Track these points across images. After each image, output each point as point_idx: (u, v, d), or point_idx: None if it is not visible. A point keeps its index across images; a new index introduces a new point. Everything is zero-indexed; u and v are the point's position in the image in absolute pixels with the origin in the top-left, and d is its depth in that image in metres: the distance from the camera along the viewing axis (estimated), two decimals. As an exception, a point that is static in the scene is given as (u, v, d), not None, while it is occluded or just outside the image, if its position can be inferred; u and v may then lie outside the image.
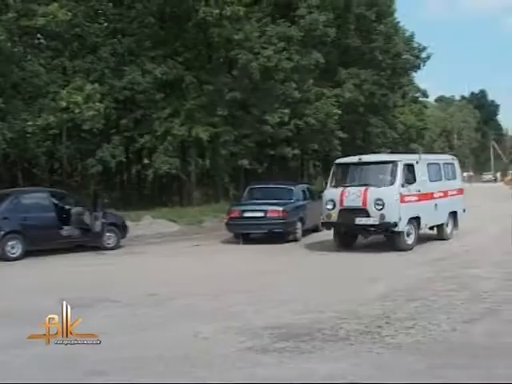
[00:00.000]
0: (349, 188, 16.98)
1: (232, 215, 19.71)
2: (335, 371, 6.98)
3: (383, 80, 37.73)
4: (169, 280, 13.41)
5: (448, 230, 19.11)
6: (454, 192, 19.54)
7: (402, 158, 17.74)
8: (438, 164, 19.27)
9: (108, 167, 27.79)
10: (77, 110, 22.62)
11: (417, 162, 17.61)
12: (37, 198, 17.93)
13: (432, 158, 21.13)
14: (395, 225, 16.43)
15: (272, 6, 30.49)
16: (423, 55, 42.88)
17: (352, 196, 16.80)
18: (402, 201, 16.64)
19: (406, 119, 51.03)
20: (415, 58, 42.24)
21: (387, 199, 16.49)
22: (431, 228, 18.95)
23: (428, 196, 17.79)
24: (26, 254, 16.73)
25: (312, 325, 9.00)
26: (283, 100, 29.07)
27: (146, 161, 34.54)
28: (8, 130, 21.46)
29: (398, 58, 39.23)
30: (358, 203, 16.65)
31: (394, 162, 17.18)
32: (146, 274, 14.48)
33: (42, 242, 17.16)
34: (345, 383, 6.58)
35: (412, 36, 43.29)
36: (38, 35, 27.84)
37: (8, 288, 12.73)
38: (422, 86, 67.00)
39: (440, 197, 18.41)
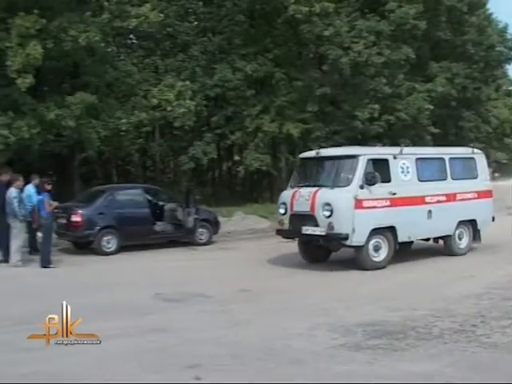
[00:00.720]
0: (302, 189, 14.13)
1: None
2: (430, 370, 6.80)
3: (476, 73, 36.54)
4: (260, 276, 13.40)
5: (461, 243, 15.53)
6: (471, 195, 15.67)
7: (367, 152, 14.44)
8: (439, 159, 15.49)
9: (200, 164, 28.04)
10: (168, 108, 22.90)
11: (394, 157, 14.17)
12: (131, 195, 18.24)
13: (428, 151, 17.11)
14: (346, 237, 13.13)
15: (361, 0, 30.08)
16: (517, 47, 41.49)
17: (301, 199, 13.87)
18: (359, 206, 13.23)
19: (499, 113, 49.65)
20: (509, 50, 40.87)
21: (336, 204, 13.23)
22: (435, 240, 15.78)
23: (413, 200, 14.23)
24: (121, 248, 17.02)
25: (405, 322, 8.87)
26: (373, 96, 28.65)
27: (236, 157, 34.66)
28: (102, 128, 21.95)
29: (491, 51, 37.90)
30: (306, 208, 13.65)
31: (354, 157, 13.81)
32: (238, 269, 14.50)
33: (136, 237, 17.45)
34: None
35: (506, 28, 41.80)
36: (131, 35, 28.48)
37: (104, 282, 12.96)
38: (517, 79, 64.79)
39: (439, 201, 14.83)
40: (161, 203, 18.93)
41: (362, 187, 13.35)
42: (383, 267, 13.65)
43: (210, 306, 10.51)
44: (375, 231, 13.59)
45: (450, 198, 15.22)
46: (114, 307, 10.35)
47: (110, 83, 24.10)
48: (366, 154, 13.96)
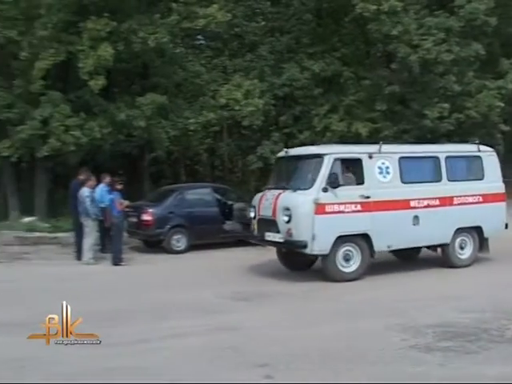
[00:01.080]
0: (269, 192, 13.36)
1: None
2: (503, 373, 6.66)
3: (549, 70, 35.52)
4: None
5: (463, 253, 14.02)
6: (475, 199, 13.99)
7: (335, 151, 12.89)
8: (431, 158, 13.89)
9: (268, 163, 28.01)
10: (236, 107, 22.98)
11: (370, 156, 12.81)
12: (200, 194, 18.43)
13: (416, 149, 14.61)
14: (305, 245, 12.09)
15: (430, -3, 29.55)
16: None
17: (266, 203, 13.10)
18: (320, 211, 12.06)
19: None
20: None
21: (295, 209, 12.25)
22: (433, 249, 14.39)
23: (393, 204, 12.87)
24: (190, 247, 17.17)
25: (477, 324, 8.72)
26: (442, 94, 28.11)
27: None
28: (171, 128, 22.21)
29: None
30: (269, 213, 12.86)
31: (319, 157, 12.62)
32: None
33: (205, 236, 17.60)
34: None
35: None
36: (199, 36, 28.70)
37: (174, 280, 13.09)
38: None
39: (429, 206, 13.35)
40: (230, 202, 19.00)
41: (325, 190, 12.18)
42: (354, 279, 12.43)
43: (279, 304, 10.51)
44: (344, 239, 12.43)
45: (445, 201, 13.62)
46: (185, 305, 10.44)
47: (178, 84, 24.36)
48: (332, 153, 12.65)
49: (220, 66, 27.10)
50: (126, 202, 15.71)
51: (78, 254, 15.68)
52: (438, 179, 13.74)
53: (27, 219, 20.25)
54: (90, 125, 19.95)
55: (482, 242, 14.36)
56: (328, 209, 12.19)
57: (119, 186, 15.74)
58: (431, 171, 13.86)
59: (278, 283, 12.29)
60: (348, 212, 12.41)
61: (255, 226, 13.52)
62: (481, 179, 14.34)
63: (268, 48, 27.62)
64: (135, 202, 17.54)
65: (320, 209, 12.11)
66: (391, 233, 12.83)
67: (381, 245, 12.87)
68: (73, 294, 11.46)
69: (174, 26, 21.93)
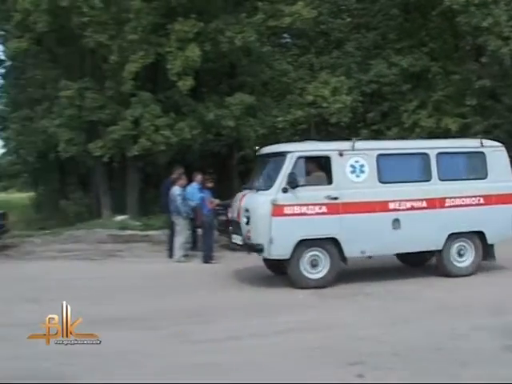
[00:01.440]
0: (241, 192, 12.77)
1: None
2: None
3: None
4: (423, 273, 13.02)
5: (461, 261, 12.44)
6: (474, 200, 12.32)
7: (300, 149, 11.95)
8: (418, 155, 12.40)
9: (356, 160, 27.81)
10: (324, 104, 22.91)
11: (340, 154, 11.68)
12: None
13: (399, 145, 13.55)
14: (261, 249, 11.34)
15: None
16: None
17: (235, 204, 12.59)
18: (278, 213, 11.20)
19: None
20: None
21: (253, 210, 11.54)
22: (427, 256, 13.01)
23: (367, 206, 11.65)
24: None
25: None
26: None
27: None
28: (260, 126, 22.32)
29: None
30: (235, 214, 12.35)
31: (282, 155, 11.73)
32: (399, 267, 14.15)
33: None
34: None
35: None
36: (285, 35, 28.74)
37: (264, 277, 13.06)
38: None
39: (414, 208, 11.91)
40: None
41: (285, 191, 11.27)
42: (323, 286, 11.46)
43: (370, 303, 10.38)
44: (310, 243, 11.49)
45: (435, 203, 12.10)
46: (275, 303, 10.44)
47: (265, 82, 24.48)
48: (296, 151, 11.71)
49: (307, 64, 27.03)
50: (217, 201, 15.82)
51: (170, 252, 15.89)
52: (427, 178, 12.24)
53: (119, 217, 20.72)
54: (179, 125, 20.30)
55: (487, 249, 12.63)
56: (287, 211, 11.29)
57: (210, 185, 15.89)
58: (419, 170, 12.46)
59: (368, 282, 12.11)
60: (311, 214, 11.39)
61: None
62: (483, 178, 12.58)
63: (354, 44, 27.45)
64: (225, 201, 17.60)
65: (278, 210, 11.25)
66: (365, 237, 11.65)
67: (352, 250, 11.74)
68: (164, 290, 11.71)
69: (260, 24, 22.06)
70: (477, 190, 12.36)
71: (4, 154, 43.30)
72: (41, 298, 10.79)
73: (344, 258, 11.83)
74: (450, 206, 12.16)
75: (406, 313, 9.60)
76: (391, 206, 11.79)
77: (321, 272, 11.61)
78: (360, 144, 12.19)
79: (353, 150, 11.85)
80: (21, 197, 45.05)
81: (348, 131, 27.31)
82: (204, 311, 9.90)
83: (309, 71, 26.30)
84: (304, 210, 11.33)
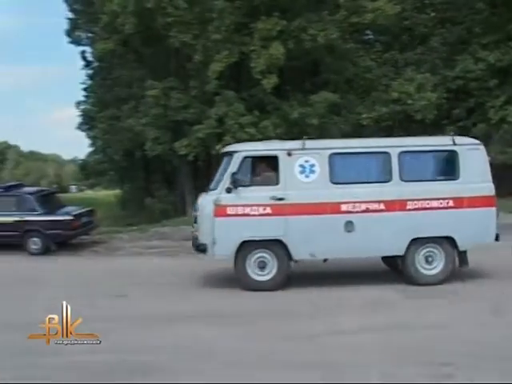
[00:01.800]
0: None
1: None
2: None
3: None
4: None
5: (430, 268, 11.36)
6: (441, 203, 11.19)
7: (247, 148, 11.69)
8: (378, 154, 11.45)
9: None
10: (409, 101, 22.65)
11: (289, 154, 11.17)
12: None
13: (355, 143, 12.01)
14: (205, 249, 11.13)
15: None
16: None
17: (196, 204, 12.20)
18: (220, 213, 10.99)
19: None
20: None
21: (200, 211, 11.36)
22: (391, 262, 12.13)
23: (316, 208, 11.03)
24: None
25: None
26: None
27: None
28: (344, 123, 22.23)
29: None
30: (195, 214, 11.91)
31: (231, 154, 11.51)
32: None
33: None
34: None
35: None
36: (368, 31, 28.50)
37: (352, 276, 12.99)
38: None
39: (369, 210, 11.07)
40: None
41: (228, 191, 11.02)
42: (273, 289, 11.09)
43: (453, 303, 10.19)
44: (255, 244, 11.18)
45: (394, 206, 11.13)
46: (362, 301, 10.36)
47: (349, 79, 24.34)
48: (242, 150, 11.42)
49: (391, 60, 26.78)
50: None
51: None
52: (387, 179, 11.25)
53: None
54: (263, 123, 20.40)
55: (461, 256, 11.53)
56: (230, 211, 11.03)
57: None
58: (378, 170, 11.47)
59: (456, 281, 11.85)
60: (255, 215, 11.04)
61: None
62: (454, 179, 11.36)
63: (439, 40, 27.06)
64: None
65: (220, 211, 11.04)
66: (314, 240, 11.04)
67: (301, 253, 11.20)
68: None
69: (343, 21, 21.97)
70: (445, 192, 11.22)
71: (91, 152, 44.45)
72: (130, 294, 11.07)
73: (293, 261, 11.42)
74: (413, 209, 11.15)
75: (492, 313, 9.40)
76: (343, 207, 11.07)
77: (269, 274, 11.27)
78: (311, 143, 11.56)
79: (303, 149, 11.29)
80: (107, 194, 46.13)
81: (432, 128, 26.93)
82: (297, 309, 9.91)
83: (393, 68, 26.06)
84: (247, 210, 11.05)
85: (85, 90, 32.62)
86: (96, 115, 28.58)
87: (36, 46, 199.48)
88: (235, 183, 10.99)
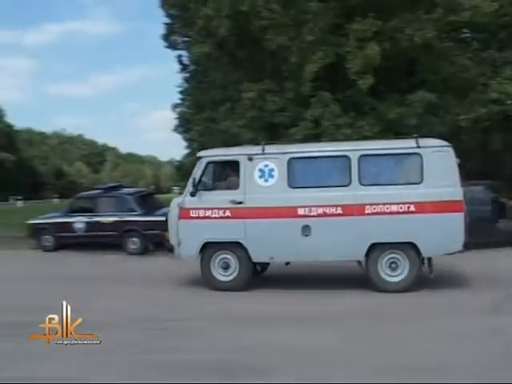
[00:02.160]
0: None
1: None
2: None
3: None
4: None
5: (394, 275, 11.29)
6: (403, 208, 11.00)
7: (212, 154, 12.30)
8: (337, 158, 11.48)
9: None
10: (508, 101, 22.12)
11: (249, 159, 11.60)
12: (473, 192, 17.89)
13: (314, 148, 12.13)
14: (172, 249, 12.11)
15: None
16: None
17: None
18: (184, 216, 11.78)
19: None
20: None
21: (169, 213, 12.30)
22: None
23: (273, 212, 11.32)
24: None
25: None
26: None
27: None
28: (441, 124, 21.87)
29: None
30: None
31: (199, 159, 12.26)
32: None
33: (477, 235, 17.04)
34: None
35: None
36: (465, 29, 27.90)
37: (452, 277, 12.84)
38: None
39: (326, 214, 11.11)
40: (502, 200, 18.29)
41: (192, 194, 11.80)
42: (235, 290, 11.75)
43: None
44: (218, 246, 11.86)
45: (352, 210, 11.14)
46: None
47: (445, 79, 23.91)
48: (206, 156, 12.17)
49: (488, 59, 26.11)
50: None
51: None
52: (346, 183, 11.33)
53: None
54: (359, 124, 20.35)
55: (427, 262, 11.61)
56: (193, 214, 11.80)
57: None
58: (337, 174, 11.57)
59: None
60: (215, 218, 11.70)
61: None
62: (417, 183, 11.24)
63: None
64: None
65: (184, 213, 11.85)
66: (272, 243, 11.49)
67: (260, 255, 11.78)
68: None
69: (439, 20, 21.60)
70: (406, 197, 11.10)
71: (187, 154, 45.04)
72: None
73: (255, 264, 12.14)
74: (371, 214, 11.12)
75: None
76: (300, 211, 11.32)
77: (231, 275, 11.90)
78: (271, 148, 11.95)
79: (263, 154, 11.71)
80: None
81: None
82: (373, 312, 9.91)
83: (491, 67, 25.40)
84: (208, 213, 11.70)
85: (181, 92, 33.11)
86: (192, 117, 28.99)
87: (135, 49, 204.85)
88: (197, 187, 11.75)
